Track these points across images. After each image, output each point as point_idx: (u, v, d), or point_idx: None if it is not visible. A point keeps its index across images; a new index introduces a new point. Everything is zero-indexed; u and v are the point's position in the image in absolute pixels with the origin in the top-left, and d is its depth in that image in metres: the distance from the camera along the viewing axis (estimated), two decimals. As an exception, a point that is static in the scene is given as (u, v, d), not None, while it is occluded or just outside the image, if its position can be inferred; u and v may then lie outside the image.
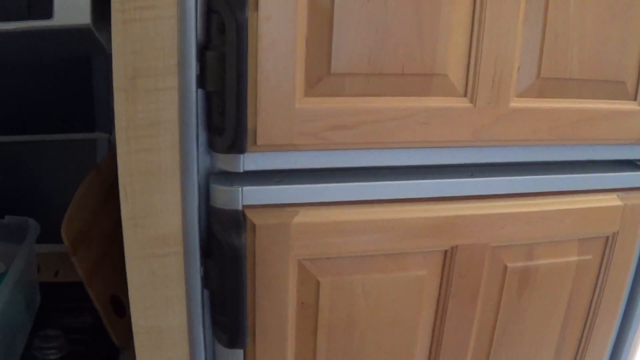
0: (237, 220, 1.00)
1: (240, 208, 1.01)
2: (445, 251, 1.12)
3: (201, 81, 0.96)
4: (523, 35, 1.06)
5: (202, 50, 0.95)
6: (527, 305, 1.22)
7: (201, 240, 1.04)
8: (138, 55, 0.94)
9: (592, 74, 1.12)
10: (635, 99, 1.18)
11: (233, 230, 1.00)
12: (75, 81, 1.54)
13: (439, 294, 1.15)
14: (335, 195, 1.05)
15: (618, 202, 1.20)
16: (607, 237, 1.23)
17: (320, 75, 0.98)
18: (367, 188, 1.06)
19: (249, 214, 1.01)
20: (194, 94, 0.96)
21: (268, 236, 1.01)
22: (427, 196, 1.10)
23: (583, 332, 1.31)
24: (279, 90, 0.96)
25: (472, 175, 1.12)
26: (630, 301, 1.33)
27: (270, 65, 0.95)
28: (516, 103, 1.08)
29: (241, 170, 1.00)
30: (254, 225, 1.00)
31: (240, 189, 1.00)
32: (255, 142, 0.97)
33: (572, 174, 1.18)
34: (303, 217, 1.02)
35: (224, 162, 1.01)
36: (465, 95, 1.06)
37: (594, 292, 1.27)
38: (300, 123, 0.98)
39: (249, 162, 1.01)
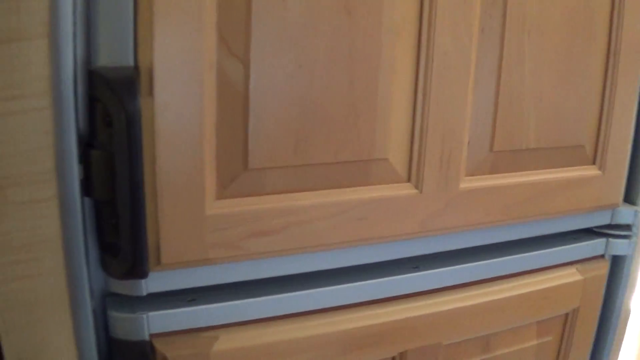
0: (143, 354, 0.79)
1: (146, 338, 0.79)
2: (393, 358, 0.94)
3: (87, 188, 0.74)
4: (473, 103, 0.88)
5: (86, 148, 0.73)
6: (486, 401, 1.06)
7: (104, 378, 0.82)
8: (7, 159, 0.70)
9: (550, 141, 0.97)
10: (594, 163, 1.03)
11: (139, 368, 0.79)
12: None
13: (389, 407, 0.97)
14: (260, 311, 0.85)
15: (578, 277, 1.06)
16: (567, 314, 1.08)
17: (236, 171, 0.78)
18: (297, 299, 0.87)
19: (158, 344, 0.79)
20: (78, 205, 0.74)
21: (183, 370, 0.81)
22: (367, 299, 0.92)
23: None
24: (184, 195, 0.75)
25: (417, 269, 0.94)
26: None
27: (172, 165, 0.73)
28: (467, 183, 0.91)
29: (144, 294, 0.79)
30: (165, 359, 0.79)
31: (145, 315, 0.79)
32: (159, 261, 0.76)
33: (527, 252, 1.02)
34: (224, 342, 0.82)
35: (122, 285, 0.79)
36: (409, 181, 0.87)
37: (554, 373, 1.12)
38: (214, 233, 0.78)
39: (154, 283, 0.79)
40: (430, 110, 0.85)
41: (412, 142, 0.86)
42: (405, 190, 0.87)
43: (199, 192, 0.76)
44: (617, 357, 1.19)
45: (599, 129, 1.01)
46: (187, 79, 0.72)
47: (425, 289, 0.95)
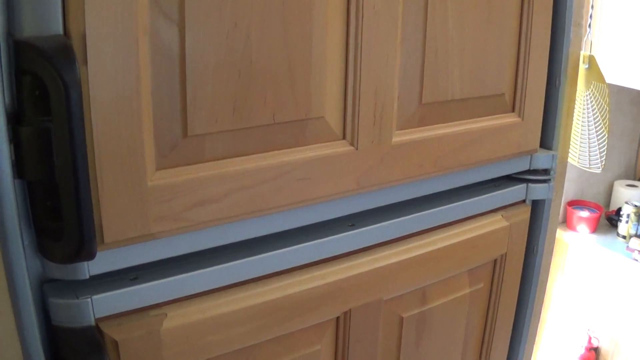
0: (92, 340, 0.78)
1: (93, 323, 0.78)
2: (337, 318, 0.99)
3: (19, 169, 0.71)
4: (402, 58, 0.93)
5: (15, 126, 0.70)
6: (426, 351, 1.13)
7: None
8: None
9: (473, 91, 1.04)
10: (513, 110, 1.10)
11: (89, 354, 0.77)
12: None
13: (336, 366, 1.00)
14: (206, 283, 0.86)
15: (504, 223, 1.14)
16: (496, 260, 1.16)
17: (175, 139, 0.78)
18: (241, 267, 0.88)
19: (106, 328, 0.79)
20: (10, 187, 0.71)
21: (135, 351, 0.81)
22: (308, 262, 0.95)
23: (481, 353, 1.25)
24: (124, 167, 0.74)
25: (353, 227, 0.98)
26: (519, 310, 1.27)
27: (110, 137, 0.73)
28: (399, 137, 0.96)
29: (87, 277, 0.77)
30: (115, 343, 0.79)
31: (89, 299, 0.78)
32: (102, 241, 0.75)
33: (454, 202, 1.08)
34: (173, 319, 0.82)
35: (62, 270, 0.77)
36: (344, 138, 0.91)
37: (487, 317, 1.21)
38: (157, 205, 0.78)
39: (96, 265, 0.78)
40: (362, 66, 0.88)
41: (345, 99, 0.89)
42: (341, 147, 0.91)
43: (139, 163, 0.75)
44: (542, 298, 1.27)
45: (516, 77, 1.09)
46: (121, 45, 0.71)
47: (363, 246, 1.00)
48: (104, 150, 0.73)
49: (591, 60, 2.30)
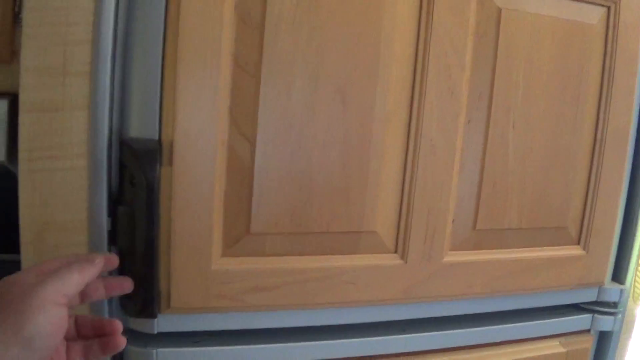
0: None
1: (155, 371, 0.98)
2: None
3: (112, 237, 0.94)
4: (458, 186, 1.07)
5: (115, 204, 0.93)
6: None
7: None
8: (46, 207, 0.92)
9: (532, 222, 1.15)
10: (578, 243, 1.20)
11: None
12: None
13: None
14: (257, 358, 1.03)
15: (561, 349, 1.23)
16: None
17: (239, 234, 0.98)
18: (292, 350, 1.06)
19: None
20: (105, 251, 0.94)
21: (185, 399, 0.99)
22: (357, 355, 1.09)
23: None
24: (194, 251, 0.96)
25: (403, 331, 1.12)
26: None
27: (185, 225, 0.94)
28: (450, 257, 1.10)
29: (155, 332, 0.99)
30: None
31: (154, 351, 0.99)
32: (169, 305, 0.97)
33: (512, 323, 1.19)
34: None
35: (137, 323, 0.99)
36: (395, 252, 1.07)
37: None
38: (218, 285, 0.98)
39: (164, 323, 1.00)
40: (417, 191, 1.04)
41: (399, 218, 1.05)
42: (391, 260, 1.06)
43: (207, 249, 0.96)
44: None
45: (583, 213, 1.19)
46: (202, 153, 0.93)
47: (410, 350, 1.12)
48: (179, 234, 0.94)
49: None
